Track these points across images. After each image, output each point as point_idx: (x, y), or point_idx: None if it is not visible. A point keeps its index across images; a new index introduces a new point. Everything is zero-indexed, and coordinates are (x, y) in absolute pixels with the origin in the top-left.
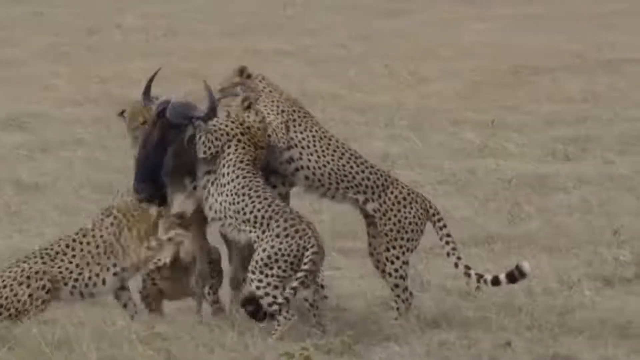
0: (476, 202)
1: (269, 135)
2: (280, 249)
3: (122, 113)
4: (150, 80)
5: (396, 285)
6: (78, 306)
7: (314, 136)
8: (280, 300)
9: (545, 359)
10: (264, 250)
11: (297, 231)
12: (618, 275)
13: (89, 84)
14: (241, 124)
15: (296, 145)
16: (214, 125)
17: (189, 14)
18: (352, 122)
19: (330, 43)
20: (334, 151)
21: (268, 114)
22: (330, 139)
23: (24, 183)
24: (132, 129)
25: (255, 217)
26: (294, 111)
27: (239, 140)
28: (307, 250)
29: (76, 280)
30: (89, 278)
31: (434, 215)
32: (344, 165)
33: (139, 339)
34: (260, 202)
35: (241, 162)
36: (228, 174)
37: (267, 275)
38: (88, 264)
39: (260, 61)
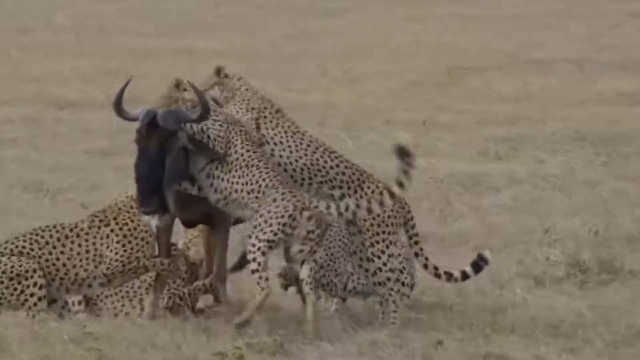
0: (408, 202)
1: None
2: (275, 212)
3: None
4: (121, 94)
5: (388, 279)
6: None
7: (286, 132)
8: (263, 267)
9: (477, 358)
10: (260, 215)
11: (294, 195)
12: (549, 274)
13: (20, 84)
14: (227, 117)
15: (268, 142)
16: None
17: (120, 12)
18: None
19: (262, 42)
20: (307, 146)
21: (238, 111)
22: (303, 134)
23: None
24: None
25: (260, 185)
26: (265, 108)
27: (233, 129)
28: (303, 211)
29: None
30: None
31: (408, 212)
32: (317, 160)
33: (71, 339)
34: (267, 173)
35: (247, 142)
36: (235, 152)
37: (259, 240)
38: None
39: (193, 60)
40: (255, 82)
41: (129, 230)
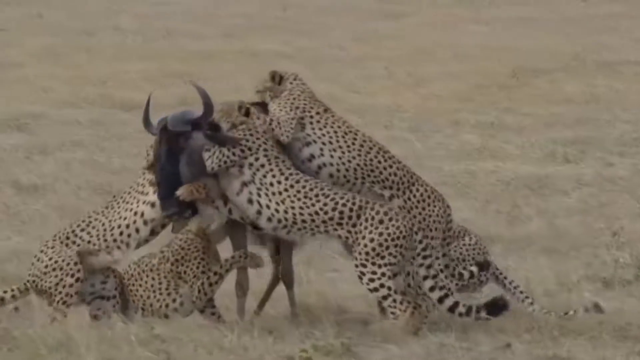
0: (476, 204)
1: (272, 130)
2: (389, 234)
3: None
4: (147, 108)
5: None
6: (78, 308)
7: (335, 132)
8: (394, 289)
9: None
10: (371, 240)
11: (396, 213)
12: (617, 277)
13: (86, 86)
14: (257, 132)
15: (315, 142)
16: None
17: (185, 15)
18: (351, 124)
19: (328, 45)
20: (361, 146)
21: (281, 109)
22: (356, 134)
23: (23, 184)
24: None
25: (342, 212)
26: (312, 108)
27: (265, 150)
28: (417, 233)
29: None
30: None
31: (449, 215)
32: (371, 160)
33: (138, 341)
34: (341, 198)
35: (288, 169)
36: (280, 182)
37: (379, 266)
38: None
39: (258, 63)
40: (321, 85)
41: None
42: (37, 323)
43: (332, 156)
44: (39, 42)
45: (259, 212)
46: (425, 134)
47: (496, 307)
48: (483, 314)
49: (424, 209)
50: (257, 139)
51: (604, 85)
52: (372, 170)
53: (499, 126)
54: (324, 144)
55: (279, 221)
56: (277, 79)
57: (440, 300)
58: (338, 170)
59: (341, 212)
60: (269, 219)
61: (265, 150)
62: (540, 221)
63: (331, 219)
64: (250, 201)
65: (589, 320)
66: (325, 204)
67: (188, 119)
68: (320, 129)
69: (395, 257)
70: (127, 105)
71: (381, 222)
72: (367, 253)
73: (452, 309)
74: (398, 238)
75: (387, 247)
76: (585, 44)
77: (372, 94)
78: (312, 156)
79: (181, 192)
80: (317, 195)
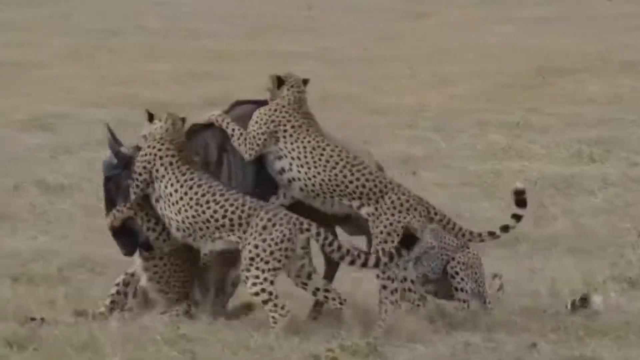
0: (501, 204)
1: (239, 145)
2: (272, 239)
3: None
4: (112, 135)
5: (384, 287)
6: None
7: (305, 147)
8: (275, 295)
9: None
10: (255, 246)
11: (282, 218)
12: None
13: (110, 86)
14: (154, 139)
15: (285, 156)
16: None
17: (209, 15)
18: (375, 124)
19: (351, 45)
20: (327, 161)
21: (256, 122)
22: (324, 149)
23: (49, 184)
24: None
25: (231, 219)
26: (289, 121)
27: (160, 157)
28: (309, 230)
29: None
30: None
31: (440, 220)
32: (336, 175)
33: (164, 341)
34: (231, 205)
35: (183, 174)
36: (177, 190)
37: (263, 271)
38: None
39: (281, 63)
40: (344, 85)
41: None
42: (63, 323)
43: (299, 171)
44: (64, 42)
45: (169, 224)
46: (450, 134)
47: (407, 238)
48: (404, 252)
49: (392, 214)
50: (153, 147)
51: (628, 85)
52: (337, 185)
53: (524, 126)
54: (292, 159)
55: (184, 230)
56: (276, 82)
57: (364, 264)
58: (306, 185)
59: (231, 220)
60: (177, 229)
61: (160, 158)
62: (566, 221)
63: (223, 225)
64: (163, 215)
65: (614, 321)
66: (215, 211)
67: (112, 164)
68: (291, 144)
69: (279, 261)
70: (150, 104)
71: (264, 228)
72: (251, 259)
73: (376, 264)
74: (282, 242)
75: (272, 253)
76: (609, 44)
77: (396, 93)
78: (283, 170)
79: (108, 222)
80: (207, 202)
